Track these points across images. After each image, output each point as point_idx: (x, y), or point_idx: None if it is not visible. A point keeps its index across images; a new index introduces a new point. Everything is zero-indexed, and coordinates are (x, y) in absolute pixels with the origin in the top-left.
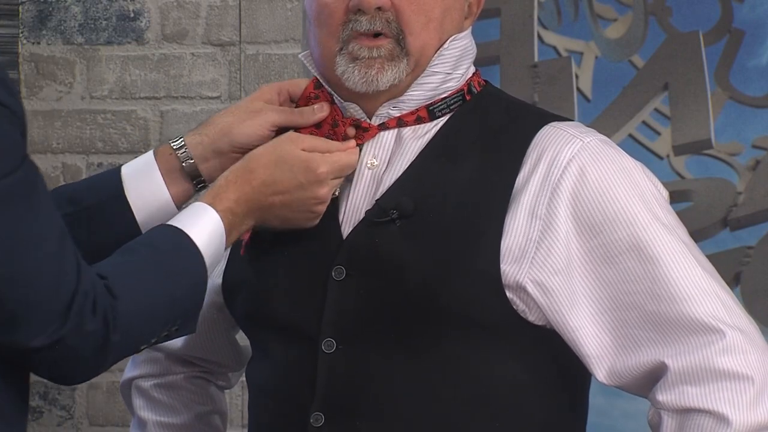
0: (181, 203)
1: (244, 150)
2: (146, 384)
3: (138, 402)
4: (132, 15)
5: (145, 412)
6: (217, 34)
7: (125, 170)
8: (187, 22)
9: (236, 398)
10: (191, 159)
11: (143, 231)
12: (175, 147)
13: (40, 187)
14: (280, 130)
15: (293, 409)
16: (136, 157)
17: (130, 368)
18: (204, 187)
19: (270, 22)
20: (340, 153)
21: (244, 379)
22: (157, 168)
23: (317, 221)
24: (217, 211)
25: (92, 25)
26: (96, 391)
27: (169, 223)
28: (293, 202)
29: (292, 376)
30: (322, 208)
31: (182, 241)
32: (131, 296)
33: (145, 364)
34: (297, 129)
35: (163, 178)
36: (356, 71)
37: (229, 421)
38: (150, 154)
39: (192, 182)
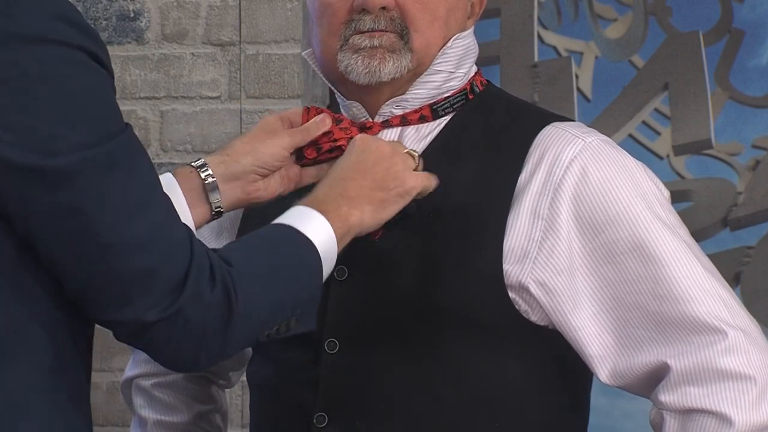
0: (199, 227)
1: (265, 170)
2: (147, 383)
3: (138, 401)
4: (132, 15)
5: (145, 411)
6: (217, 34)
7: None
8: (187, 22)
9: (236, 398)
10: (213, 177)
11: None
12: (196, 166)
13: (144, 157)
14: (294, 152)
15: (296, 410)
16: None
17: (131, 367)
18: (220, 212)
19: (270, 22)
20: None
21: (243, 378)
22: (179, 187)
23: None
24: (321, 213)
25: (92, 25)
26: (96, 391)
27: (278, 221)
28: (390, 168)
29: (294, 377)
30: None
31: (294, 233)
32: (247, 267)
33: (146, 363)
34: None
35: (185, 198)
36: (359, 61)
37: (228, 421)
38: (169, 175)
39: (209, 205)
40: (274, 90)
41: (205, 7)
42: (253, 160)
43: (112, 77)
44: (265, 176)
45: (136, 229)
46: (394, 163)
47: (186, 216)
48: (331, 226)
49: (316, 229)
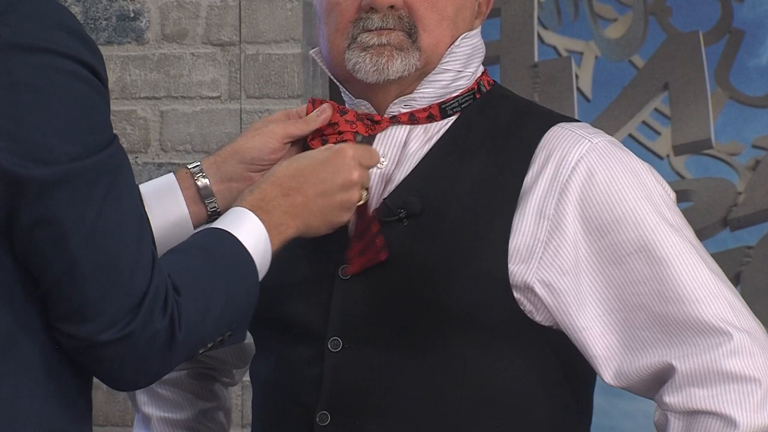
0: (197, 226)
1: (258, 167)
2: None
3: (142, 398)
4: (132, 15)
5: (149, 408)
6: (217, 34)
7: (144, 189)
8: (187, 22)
9: (236, 398)
10: (206, 180)
11: (158, 251)
12: (191, 169)
13: (126, 170)
14: (294, 144)
15: (299, 408)
16: (136, 157)
17: None
18: (216, 212)
19: (270, 22)
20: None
21: (244, 378)
22: (180, 189)
23: (352, 212)
24: (252, 212)
25: (92, 25)
26: (96, 391)
27: (214, 226)
28: (328, 190)
29: (297, 375)
30: (355, 195)
31: (234, 243)
32: (193, 294)
33: None
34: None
35: (184, 199)
36: (367, 59)
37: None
38: (171, 175)
39: (206, 206)
40: (274, 90)
41: (205, 7)
42: (240, 160)
43: (107, 88)
44: (260, 171)
45: (109, 247)
46: (333, 164)
47: (184, 215)
48: (270, 239)
49: (257, 242)
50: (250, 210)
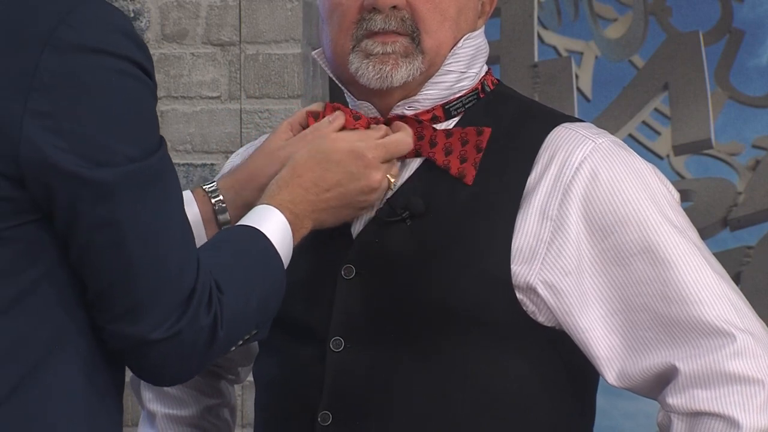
0: None
1: None
2: None
3: (147, 395)
4: (132, 15)
5: (154, 405)
6: (217, 34)
7: None
8: (187, 22)
9: (236, 398)
10: (223, 203)
11: None
12: (208, 190)
13: (173, 170)
14: None
15: (301, 408)
16: None
17: None
18: None
19: (270, 22)
20: (383, 136)
21: (246, 378)
22: (197, 206)
23: (372, 210)
24: (281, 212)
25: None
26: None
27: (241, 223)
28: (347, 194)
29: (300, 375)
30: (376, 195)
31: (265, 241)
32: (234, 291)
33: None
34: None
35: (201, 216)
36: (370, 67)
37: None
38: (188, 192)
39: (219, 227)
40: (274, 90)
41: (205, 7)
42: (258, 187)
43: (156, 89)
44: None
45: (160, 246)
46: (354, 171)
47: (201, 233)
48: (293, 236)
49: (282, 240)
50: (278, 209)
